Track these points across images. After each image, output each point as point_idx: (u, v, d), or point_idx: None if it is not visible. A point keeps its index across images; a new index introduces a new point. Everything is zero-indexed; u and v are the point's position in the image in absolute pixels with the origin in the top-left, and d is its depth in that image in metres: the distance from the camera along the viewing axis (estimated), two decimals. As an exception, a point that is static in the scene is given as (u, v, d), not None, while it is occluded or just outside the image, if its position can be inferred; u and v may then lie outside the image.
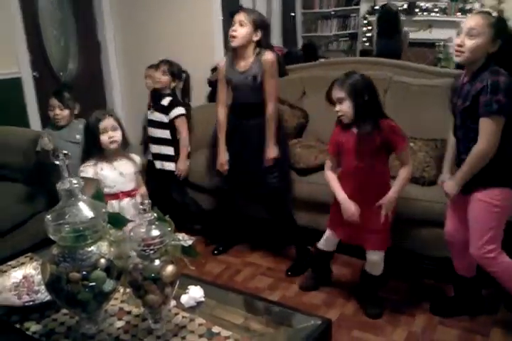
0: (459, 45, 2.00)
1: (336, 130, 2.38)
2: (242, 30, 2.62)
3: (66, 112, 2.93)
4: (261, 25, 2.66)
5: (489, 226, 2.09)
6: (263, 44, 2.69)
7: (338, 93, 2.23)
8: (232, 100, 2.85)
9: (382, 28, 5.78)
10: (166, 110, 3.12)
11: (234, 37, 2.63)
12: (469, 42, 1.97)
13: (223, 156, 2.83)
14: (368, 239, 2.35)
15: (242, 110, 2.79)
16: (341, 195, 2.34)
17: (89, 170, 2.37)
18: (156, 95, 3.19)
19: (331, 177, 2.41)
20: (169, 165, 3.17)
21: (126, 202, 2.42)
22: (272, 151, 2.72)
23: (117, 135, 2.37)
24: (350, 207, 2.30)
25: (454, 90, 2.19)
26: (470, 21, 1.99)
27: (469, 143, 2.06)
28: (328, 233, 2.53)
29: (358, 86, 2.22)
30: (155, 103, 3.18)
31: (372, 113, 2.22)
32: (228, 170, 2.85)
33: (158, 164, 3.20)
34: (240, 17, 2.63)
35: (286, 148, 2.91)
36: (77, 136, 2.85)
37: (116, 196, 2.39)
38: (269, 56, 2.66)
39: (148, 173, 3.20)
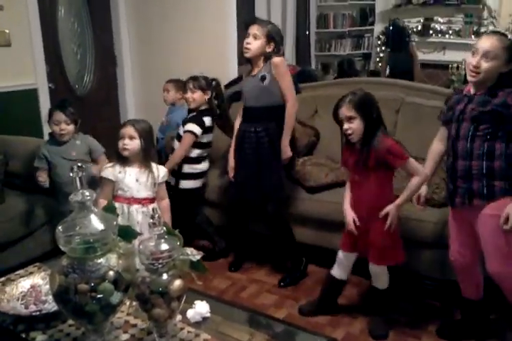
0: (476, 67, 2.02)
1: (344, 148, 2.40)
2: (255, 43, 2.70)
3: (71, 127, 2.81)
4: (274, 37, 2.73)
5: (506, 239, 2.05)
6: (274, 52, 2.76)
7: (347, 111, 2.23)
8: (244, 107, 2.89)
9: (391, 40, 5.93)
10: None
11: (247, 49, 2.72)
12: (485, 65, 2.00)
13: (231, 162, 2.93)
14: (369, 251, 2.35)
15: (251, 114, 2.82)
16: (344, 205, 2.41)
17: (107, 170, 2.48)
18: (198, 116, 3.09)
19: (346, 188, 2.47)
20: (186, 184, 3.12)
21: (135, 208, 2.48)
22: (288, 150, 2.77)
23: (132, 144, 2.44)
24: (346, 216, 2.37)
25: (450, 100, 2.24)
26: (486, 43, 2.02)
27: (482, 158, 2.06)
28: (340, 255, 2.48)
29: (366, 104, 2.24)
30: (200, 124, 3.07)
31: (378, 130, 2.24)
32: (239, 179, 2.89)
33: (172, 181, 3.13)
34: (254, 30, 2.71)
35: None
36: (73, 153, 2.79)
37: (127, 200, 2.47)
38: (276, 58, 2.73)
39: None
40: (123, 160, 2.48)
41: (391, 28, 6.06)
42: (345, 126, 2.24)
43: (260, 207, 2.91)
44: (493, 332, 2.40)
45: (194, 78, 3.08)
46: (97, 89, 4.56)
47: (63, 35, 4.24)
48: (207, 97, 3.06)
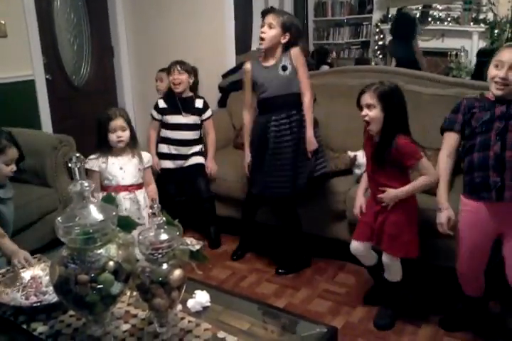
0: (504, 79, 2.00)
1: (366, 138, 2.39)
2: (270, 32, 2.69)
3: (10, 167, 2.27)
4: (290, 27, 2.70)
5: None
6: (290, 43, 2.74)
7: (369, 99, 2.20)
8: (261, 99, 2.80)
9: (398, 32, 5.61)
10: (200, 112, 3.25)
11: (262, 39, 2.71)
12: None
13: (247, 159, 2.92)
14: (382, 239, 2.32)
15: (274, 104, 2.75)
16: (358, 191, 2.50)
17: (92, 162, 2.53)
18: (184, 100, 3.24)
19: (363, 177, 2.51)
20: (198, 159, 3.29)
21: (122, 195, 2.54)
22: (312, 143, 2.75)
23: (125, 135, 2.51)
24: (356, 202, 2.45)
25: (468, 111, 2.16)
26: (511, 55, 2.00)
27: None
28: (354, 245, 2.44)
29: (392, 96, 2.21)
30: (187, 107, 3.22)
31: (398, 127, 2.21)
32: (258, 172, 2.83)
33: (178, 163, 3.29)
34: (270, 19, 2.70)
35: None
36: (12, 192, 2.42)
37: (113, 188, 2.52)
38: (295, 49, 2.72)
39: (163, 176, 3.26)
40: (107, 151, 2.54)
41: (397, 17, 5.85)
42: (363, 112, 2.22)
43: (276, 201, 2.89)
44: (491, 324, 2.41)
45: (179, 62, 3.20)
46: (94, 79, 4.53)
47: (60, 25, 4.20)
48: (191, 81, 3.20)
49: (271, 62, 2.75)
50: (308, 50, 6.96)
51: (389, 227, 2.29)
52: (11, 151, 2.23)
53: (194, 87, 3.38)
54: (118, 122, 2.48)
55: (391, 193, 2.25)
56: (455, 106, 2.23)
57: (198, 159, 3.30)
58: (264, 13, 2.77)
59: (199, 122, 3.29)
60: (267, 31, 2.69)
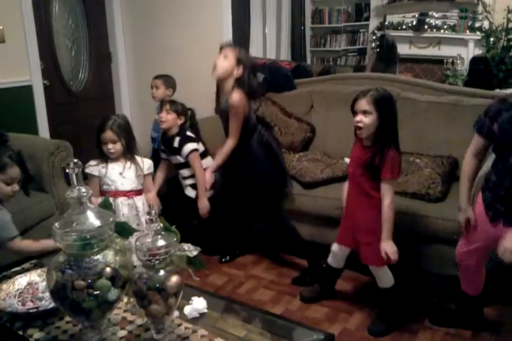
0: None
1: (356, 140, 2.37)
2: (223, 63, 2.75)
3: (11, 187, 2.17)
4: (245, 62, 2.76)
5: None
6: (244, 80, 2.76)
7: (365, 105, 2.18)
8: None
9: (381, 55, 6.03)
10: (179, 152, 3.04)
11: (215, 67, 2.77)
12: None
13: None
14: (363, 251, 2.36)
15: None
16: (343, 192, 2.47)
17: (91, 167, 2.57)
18: (166, 139, 3.10)
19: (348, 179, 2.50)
20: (191, 192, 3.10)
21: (120, 200, 2.57)
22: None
23: (115, 148, 2.55)
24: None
25: (493, 115, 1.99)
26: None
27: None
28: (334, 247, 2.53)
29: (387, 103, 2.20)
30: (168, 147, 3.09)
31: (391, 136, 2.21)
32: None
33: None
34: (226, 51, 2.76)
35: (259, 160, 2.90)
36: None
37: (112, 194, 2.54)
38: (233, 96, 2.74)
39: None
40: (106, 158, 2.58)
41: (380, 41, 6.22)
42: (358, 118, 2.20)
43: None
44: (486, 326, 2.41)
45: (172, 101, 3.10)
46: (92, 85, 4.54)
47: (58, 31, 4.22)
48: (180, 122, 3.05)
49: (224, 97, 2.84)
50: (304, 55, 6.99)
51: (362, 236, 2.32)
52: (12, 170, 2.14)
53: (194, 130, 3.17)
54: (107, 135, 2.52)
55: (384, 246, 2.22)
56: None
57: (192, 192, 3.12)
58: (223, 46, 2.83)
59: (183, 161, 3.06)
60: (221, 61, 2.76)
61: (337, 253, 2.52)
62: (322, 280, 2.70)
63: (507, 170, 1.96)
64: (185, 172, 3.09)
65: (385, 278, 2.38)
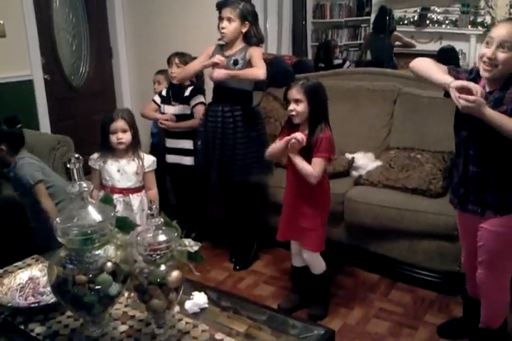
0: (490, 58, 1.79)
1: (284, 128, 2.44)
2: (231, 26, 2.72)
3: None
4: (248, 16, 2.74)
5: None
6: (251, 33, 2.76)
7: (296, 94, 2.28)
8: (214, 85, 2.87)
9: (376, 25, 5.92)
10: (188, 100, 3.10)
11: (224, 33, 2.73)
12: (502, 56, 1.77)
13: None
14: (306, 237, 2.40)
15: (224, 94, 2.81)
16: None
17: (93, 160, 2.56)
18: (175, 89, 3.15)
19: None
20: (188, 160, 3.14)
21: (115, 197, 2.52)
22: (222, 72, 2.68)
23: (125, 137, 2.50)
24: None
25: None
26: (501, 32, 1.78)
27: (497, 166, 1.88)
28: (291, 244, 2.56)
29: (317, 92, 2.30)
30: (176, 96, 3.13)
31: (322, 119, 2.30)
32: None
33: (170, 158, 3.20)
34: (227, 13, 2.71)
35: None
36: None
37: (108, 189, 2.53)
38: (256, 49, 2.74)
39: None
40: (109, 153, 2.54)
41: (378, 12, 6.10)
42: (291, 107, 2.30)
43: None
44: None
45: (179, 53, 3.13)
46: (93, 80, 4.54)
47: (58, 26, 4.21)
48: None
49: (229, 53, 2.79)
50: (305, 50, 6.97)
51: (308, 222, 2.37)
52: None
53: (200, 82, 3.26)
54: (119, 124, 2.49)
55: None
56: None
57: (189, 160, 3.15)
58: (220, 7, 2.75)
59: (188, 112, 3.11)
60: (227, 26, 2.71)
61: (292, 246, 2.55)
62: (294, 285, 2.67)
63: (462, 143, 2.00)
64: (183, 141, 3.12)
65: (319, 264, 2.47)
